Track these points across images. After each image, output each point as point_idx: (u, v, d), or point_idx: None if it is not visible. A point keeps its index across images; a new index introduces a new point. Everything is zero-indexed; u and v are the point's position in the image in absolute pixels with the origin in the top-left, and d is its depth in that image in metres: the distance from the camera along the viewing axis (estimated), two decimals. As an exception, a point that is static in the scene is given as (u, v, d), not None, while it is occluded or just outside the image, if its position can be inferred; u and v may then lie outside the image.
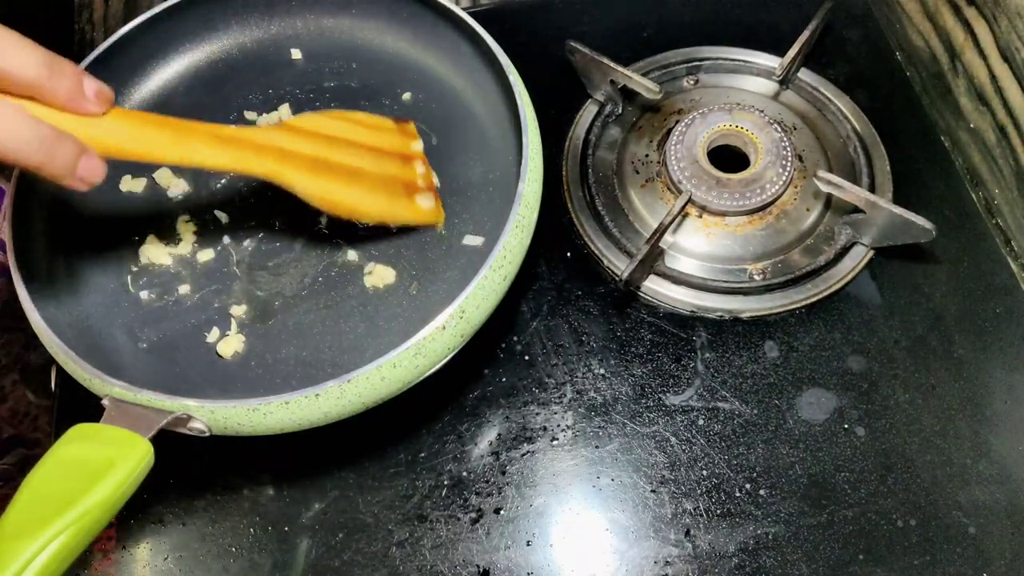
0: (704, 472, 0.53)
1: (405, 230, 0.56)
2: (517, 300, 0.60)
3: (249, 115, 0.61)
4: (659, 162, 0.63)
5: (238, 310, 0.54)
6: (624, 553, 0.51)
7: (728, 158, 0.62)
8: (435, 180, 0.57)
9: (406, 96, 0.61)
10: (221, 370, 0.52)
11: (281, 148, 0.48)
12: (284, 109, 0.61)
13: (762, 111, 0.62)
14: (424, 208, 0.54)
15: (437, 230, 0.55)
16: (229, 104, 0.62)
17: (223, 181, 0.59)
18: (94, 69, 0.57)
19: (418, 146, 0.57)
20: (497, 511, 0.52)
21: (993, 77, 0.62)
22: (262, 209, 0.58)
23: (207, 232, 0.57)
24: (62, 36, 0.78)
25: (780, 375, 0.56)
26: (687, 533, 0.51)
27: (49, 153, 0.38)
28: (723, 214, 0.60)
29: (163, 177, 0.58)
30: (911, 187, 0.62)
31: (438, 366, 0.47)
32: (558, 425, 0.55)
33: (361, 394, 0.44)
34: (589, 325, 0.58)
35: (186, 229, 0.57)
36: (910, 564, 0.49)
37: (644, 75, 0.64)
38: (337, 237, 0.56)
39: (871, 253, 0.59)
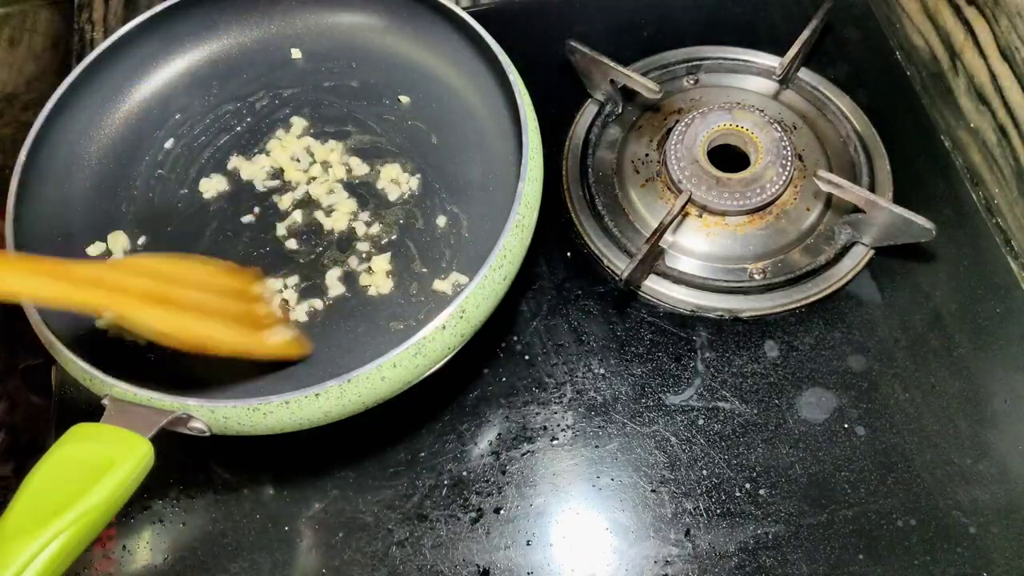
0: (704, 472, 0.53)
1: (408, 234, 0.56)
2: (517, 300, 0.60)
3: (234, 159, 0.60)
4: (659, 162, 0.63)
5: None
6: (624, 553, 0.51)
7: (728, 158, 0.62)
8: (289, 314, 0.54)
9: (404, 99, 0.61)
10: (221, 369, 0.52)
11: (112, 281, 0.45)
12: (297, 121, 0.61)
13: (762, 111, 0.62)
14: (275, 342, 0.51)
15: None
16: (229, 104, 0.62)
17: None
18: (94, 69, 0.57)
19: (259, 288, 0.54)
20: (497, 511, 0.52)
21: (993, 77, 0.62)
22: (264, 209, 0.58)
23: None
24: (62, 36, 0.79)
25: (780, 375, 0.56)
26: (687, 533, 0.51)
27: None
28: (723, 214, 0.60)
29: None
30: (911, 187, 0.62)
31: (438, 366, 0.47)
32: (558, 425, 0.55)
33: (361, 394, 0.44)
34: (589, 325, 0.58)
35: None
36: (910, 564, 0.49)
37: (644, 75, 0.64)
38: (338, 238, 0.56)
39: (871, 253, 0.59)
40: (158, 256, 0.52)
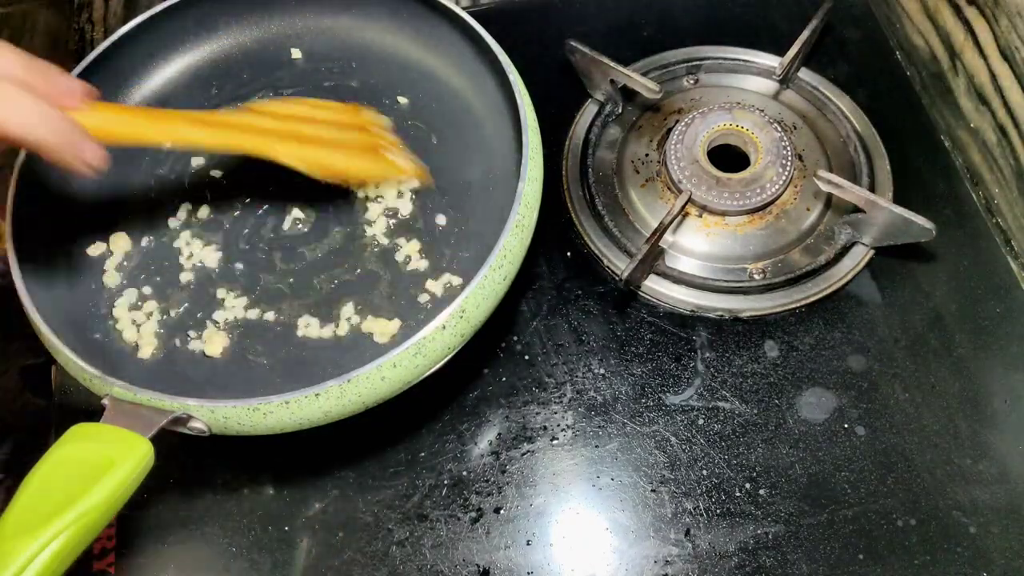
0: (704, 472, 0.53)
1: (408, 233, 0.56)
2: (517, 300, 0.60)
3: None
4: (659, 162, 0.63)
5: (239, 309, 0.54)
6: (624, 552, 0.51)
7: (728, 158, 0.62)
8: (404, 146, 0.58)
9: (402, 100, 0.61)
10: (221, 369, 0.52)
11: (257, 125, 0.51)
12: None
13: (762, 110, 0.62)
14: (399, 164, 0.55)
15: (430, 190, 0.57)
16: (229, 104, 0.62)
17: (216, 187, 0.59)
18: (94, 69, 0.57)
19: (379, 118, 0.58)
20: (497, 510, 0.52)
21: (993, 77, 0.62)
22: (264, 211, 0.58)
23: (208, 232, 0.57)
24: (62, 36, 0.79)
25: (780, 374, 0.56)
26: (687, 533, 0.51)
27: (56, 132, 0.39)
28: (723, 213, 0.60)
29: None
30: (911, 187, 0.62)
31: (438, 366, 0.47)
32: (558, 425, 0.55)
33: (361, 394, 0.44)
34: (589, 325, 0.58)
35: (185, 233, 0.57)
36: (910, 564, 0.49)
37: (644, 75, 0.64)
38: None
39: (871, 252, 0.59)
40: (282, 100, 0.57)
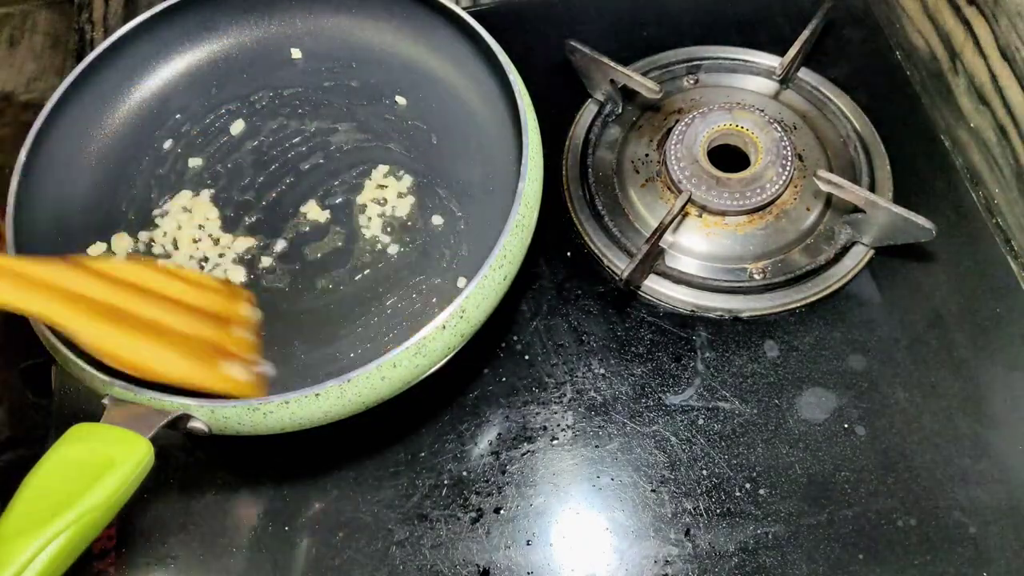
0: (704, 472, 0.53)
1: (407, 233, 0.56)
2: (517, 300, 0.60)
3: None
4: (659, 161, 0.63)
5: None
6: (624, 552, 0.51)
7: (728, 158, 0.62)
8: (255, 350, 0.51)
9: (402, 100, 0.61)
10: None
11: (63, 288, 0.43)
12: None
13: (762, 110, 0.62)
14: (232, 377, 0.47)
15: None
16: (229, 104, 0.62)
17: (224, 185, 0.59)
18: (94, 69, 0.57)
19: (245, 311, 0.52)
20: (497, 510, 0.52)
21: (993, 76, 0.62)
22: (265, 213, 0.58)
23: (209, 233, 0.57)
24: (62, 36, 0.79)
25: (780, 374, 0.56)
26: (687, 532, 0.51)
27: None
28: (723, 213, 0.60)
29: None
30: (911, 187, 0.62)
31: (438, 366, 0.47)
32: (558, 425, 0.55)
33: (361, 394, 0.44)
34: (589, 324, 0.58)
35: (186, 234, 0.57)
36: (910, 564, 0.49)
37: (644, 75, 0.64)
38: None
39: (871, 252, 0.59)
40: (139, 262, 0.50)
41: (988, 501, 0.51)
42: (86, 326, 0.43)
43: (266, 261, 0.56)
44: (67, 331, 0.42)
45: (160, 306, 0.47)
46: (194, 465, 0.55)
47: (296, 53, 0.64)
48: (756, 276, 0.58)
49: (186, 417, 0.43)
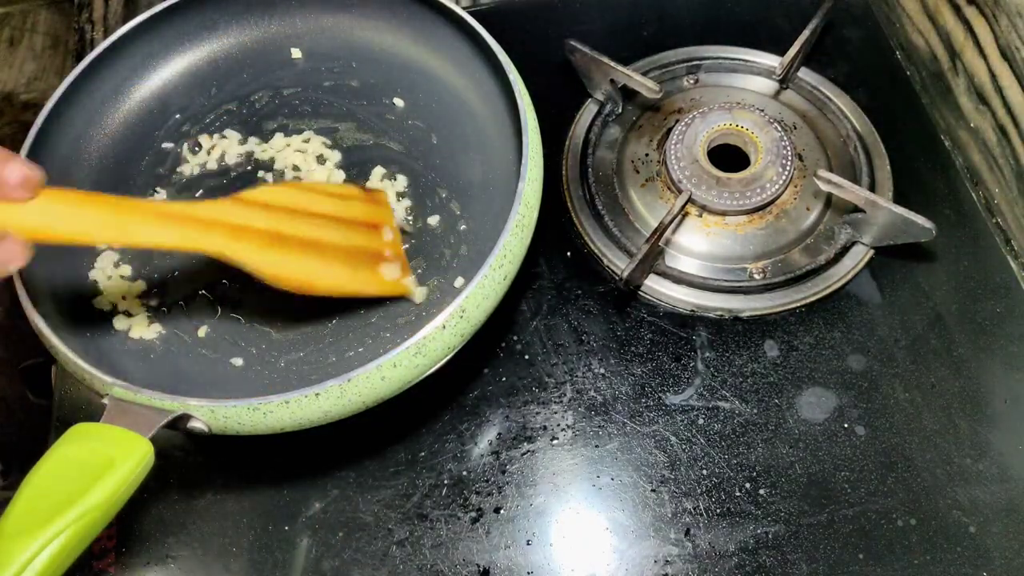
0: (704, 471, 0.53)
1: (407, 233, 0.56)
2: (517, 300, 0.60)
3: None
4: (659, 161, 0.63)
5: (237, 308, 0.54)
6: (624, 552, 0.51)
7: (728, 157, 0.62)
8: (401, 248, 0.54)
9: (403, 99, 0.61)
10: (221, 369, 0.52)
11: (230, 223, 0.46)
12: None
13: (762, 110, 0.62)
14: (388, 278, 0.52)
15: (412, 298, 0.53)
16: (229, 104, 0.62)
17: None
18: (94, 69, 0.57)
19: (387, 212, 0.55)
20: (497, 510, 0.52)
21: (993, 76, 0.62)
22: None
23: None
24: (62, 36, 0.79)
25: (780, 374, 0.56)
26: (687, 532, 0.51)
27: None
28: (723, 213, 0.60)
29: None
30: (911, 186, 0.62)
31: (438, 365, 0.47)
32: (558, 424, 0.55)
33: (361, 393, 0.44)
34: (589, 324, 0.58)
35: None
36: (910, 564, 0.49)
37: (644, 74, 0.64)
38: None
39: (871, 252, 0.59)
40: (284, 184, 0.53)
41: (988, 501, 0.51)
42: (257, 256, 0.46)
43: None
44: (240, 263, 0.45)
45: (316, 223, 0.50)
46: (194, 465, 0.55)
47: (296, 53, 0.64)
48: (756, 276, 0.58)
49: (186, 417, 0.43)
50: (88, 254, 0.56)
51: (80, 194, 0.40)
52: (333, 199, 0.52)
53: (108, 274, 0.55)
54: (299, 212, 0.50)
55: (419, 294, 0.53)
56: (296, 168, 0.59)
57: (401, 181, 0.58)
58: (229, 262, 0.46)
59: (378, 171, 0.59)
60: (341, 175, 0.59)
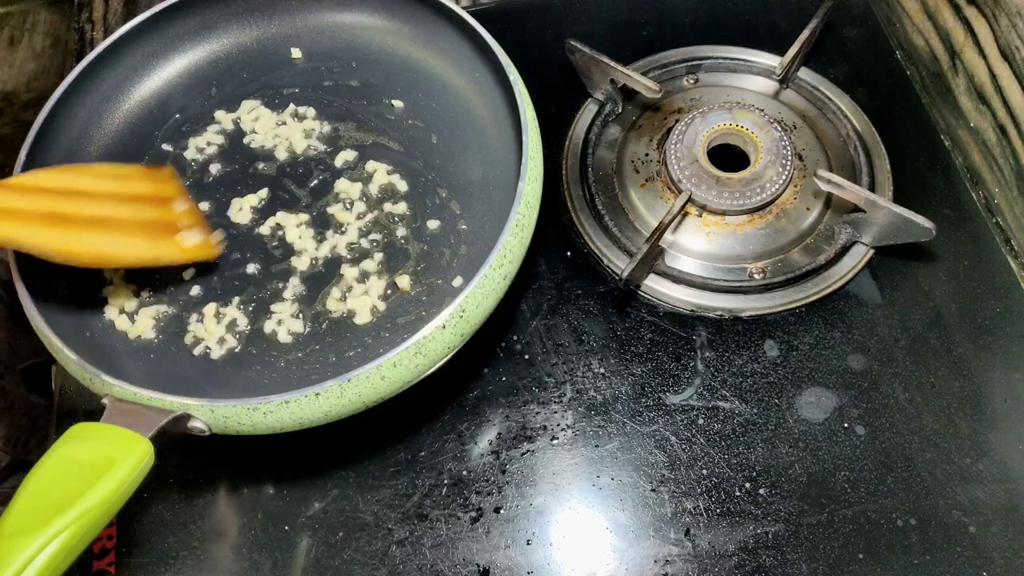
0: (704, 471, 0.53)
1: (407, 233, 0.56)
2: (517, 299, 0.60)
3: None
4: (659, 161, 0.63)
5: (238, 310, 0.54)
6: (624, 552, 0.51)
7: (728, 157, 0.62)
8: (200, 215, 0.55)
9: (402, 99, 0.61)
10: (221, 369, 0.52)
11: (6, 205, 0.45)
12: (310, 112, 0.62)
13: (762, 110, 0.62)
14: (189, 245, 0.52)
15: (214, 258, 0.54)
16: (230, 103, 0.62)
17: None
18: (94, 69, 0.57)
19: (174, 186, 0.55)
20: (497, 510, 0.52)
21: (993, 76, 0.62)
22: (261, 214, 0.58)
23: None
24: (62, 36, 0.79)
25: (780, 374, 0.56)
26: (687, 532, 0.51)
27: None
28: (723, 213, 0.60)
29: None
30: (911, 186, 0.62)
31: (438, 365, 0.47)
32: (558, 424, 0.55)
33: (361, 393, 0.44)
34: (589, 324, 0.58)
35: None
36: (910, 563, 0.49)
37: (644, 74, 0.64)
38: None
39: (871, 252, 0.59)
40: (59, 169, 0.51)
41: (988, 501, 0.51)
42: (39, 237, 0.44)
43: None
44: (23, 246, 0.44)
45: (98, 202, 0.49)
46: (194, 465, 0.55)
47: (296, 53, 0.64)
48: (756, 276, 0.58)
49: (186, 417, 0.43)
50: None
51: None
52: (113, 179, 0.52)
53: (109, 275, 0.55)
54: (78, 193, 0.49)
55: (214, 253, 0.54)
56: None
57: (401, 182, 0.58)
58: (13, 246, 0.44)
59: (381, 169, 0.58)
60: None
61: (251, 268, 0.55)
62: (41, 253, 0.45)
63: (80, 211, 0.48)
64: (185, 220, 0.53)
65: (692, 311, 0.58)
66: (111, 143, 0.59)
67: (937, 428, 0.53)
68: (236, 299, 0.54)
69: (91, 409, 0.49)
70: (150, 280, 0.55)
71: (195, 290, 0.55)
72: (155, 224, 0.51)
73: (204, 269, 0.56)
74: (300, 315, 0.54)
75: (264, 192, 0.58)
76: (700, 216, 0.60)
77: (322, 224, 0.57)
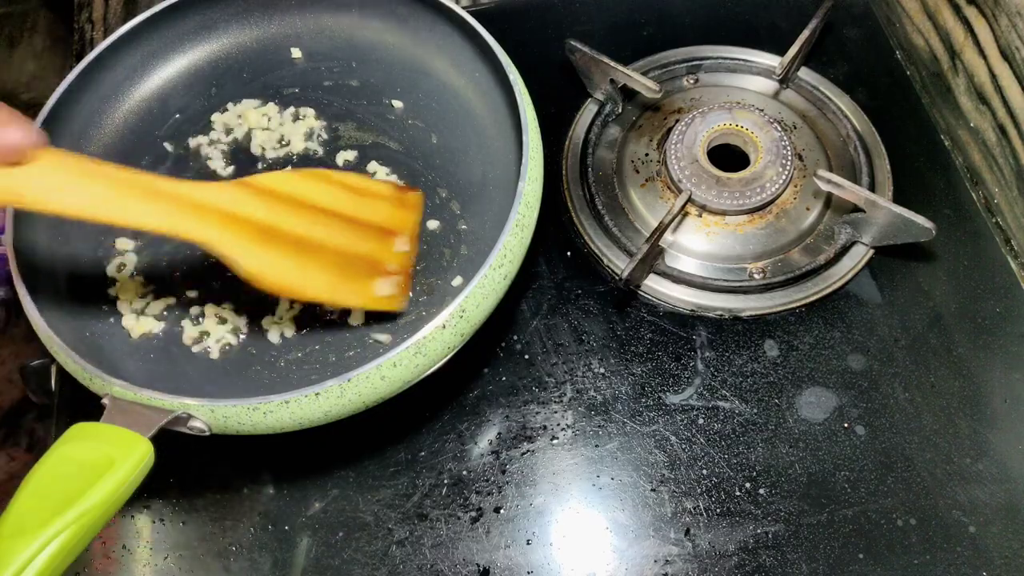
0: (704, 471, 0.53)
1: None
2: (517, 299, 0.60)
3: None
4: (659, 161, 0.63)
5: (238, 311, 0.54)
6: (624, 552, 0.51)
7: (728, 157, 0.62)
8: (411, 263, 0.51)
9: (402, 99, 0.61)
10: (221, 369, 0.52)
11: (226, 211, 0.43)
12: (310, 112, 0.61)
13: (762, 110, 0.62)
14: (379, 295, 0.49)
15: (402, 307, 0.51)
16: (229, 103, 0.62)
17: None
18: (94, 69, 0.57)
19: (411, 219, 0.52)
20: (497, 510, 0.52)
21: (993, 76, 0.62)
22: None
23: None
24: (62, 36, 0.79)
25: (780, 374, 0.56)
26: (687, 532, 0.51)
27: None
28: (723, 213, 0.60)
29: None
30: (911, 186, 0.62)
31: (438, 365, 0.47)
32: (558, 424, 0.55)
33: (361, 393, 0.44)
34: (589, 324, 0.58)
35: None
36: (910, 563, 0.49)
37: (644, 74, 0.64)
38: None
39: (871, 252, 0.59)
40: (303, 172, 0.49)
41: (988, 501, 0.51)
42: (243, 252, 0.43)
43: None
44: (223, 256, 0.43)
45: (321, 221, 0.47)
46: (194, 465, 0.55)
47: (296, 53, 0.64)
48: (756, 276, 0.58)
49: (186, 417, 0.43)
50: (89, 255, 0.56)
51: (72, 161, 0.38)
52: (355, 195, 0.50)
53: (112, 274, 0.55)
54: (307, 205, 0.47)
55: (400, 308, 0.51)
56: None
57: (405, 180, 0.58)
58: (212, 251, 0.44)
59: (381, 169, 0.58)
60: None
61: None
62: (232, 266, 0.44)
63: (296, 228, 0.46)
64: (394, 264, 0.50)
65: (692, 311, 0.58)
66: (111, 143, 0.59)
67: (937, 428, 0.53)
68: (236, 299, 0.54)
69: (91, 409, 0.48)
70: (152, 280, 0.55)
71: (195, 291, 0.55)
72: (362, 261, 0.48)
73: (207, 267, 0.56)
74: (299, 315, 0.54)
75: None
76: (700, 216, 0.60)
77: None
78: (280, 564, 0.51)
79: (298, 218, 0.46)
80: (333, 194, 0.49)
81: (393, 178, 0.58)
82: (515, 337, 0.58)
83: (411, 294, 0.51)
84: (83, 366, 0.45)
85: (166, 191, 0.41)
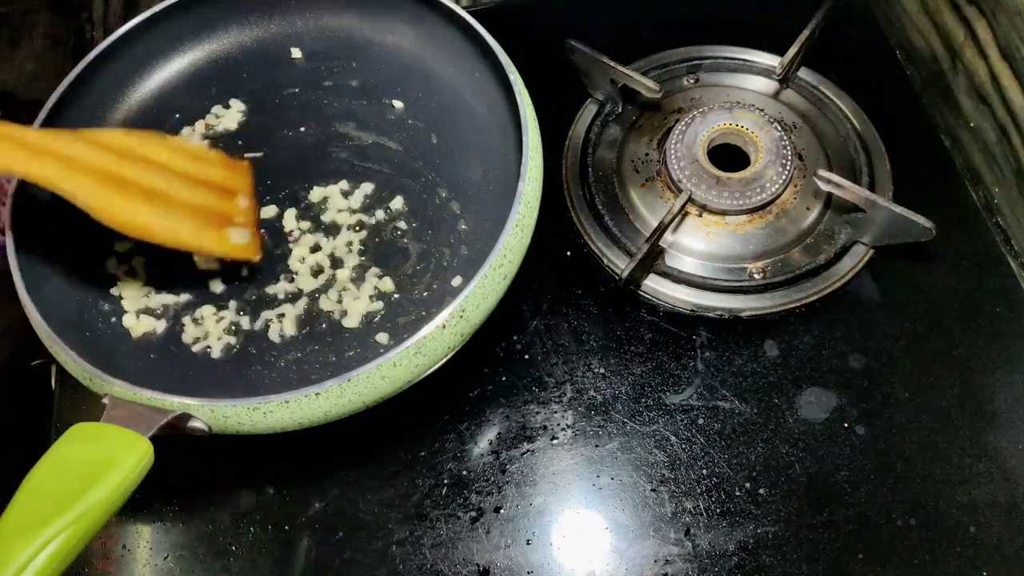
0: (704, 471, 0.53)
1: (408, 232, 0.56)
2: (517, 299, 0.60)
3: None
4: (659, 161, 0.63)
5: (237, 311, 0.54)
6: (624, 552, 0.51)
7: (728, 157, 0.62)
8: (258, 217, 0.56)
9: (402, 99, 0.61)
10: (221, 369, 0.52)
11: (67, 155, 0.46)
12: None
13: (762, 110, 0.62)
14: (233, 242, 0.52)
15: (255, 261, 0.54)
16: (229, 103, 0.62)
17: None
18: (94, 68, 0.57)
19: (246, 182, 0.56)
20: (497, 510, 0.52)
21: (993, 76, 0.62)
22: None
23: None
24: (62, 36, 0.79)
25: (780, 374, 0.56)
26: (687, 532, 0.51)
27: None
28: (723, 213, 0.60)
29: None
30: (911, 186, 0.62)
31: (438, 365, 0.47)
32: (558, 424, 0.55)
33: (361, 393, 0.44)
34: (589, 324, 0.58)
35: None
36: (910, 563, 0.49)
37: (644, 74, 0.64)
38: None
39: (871, 252, 0.59)
40: (144, 134, 0.52)
41: (988, 500, 0.51)
42: (89, 192, 0.45)
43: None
44: (70, 196, 0.45)
45: (165, 176, 0.50)
46: (194, 464, 0.55)
47: (296, 53, 0.64)
48: (756, 276, 0.58)
49: (186, 417, 0.43)
50: (90, 254, 0.56)
51: None
52: (191, 159, 0.53)
53: (112, 273, 0.55)
54: (149, 161, 0.50)
55: (256, 257, 0.54)
56: None
57: (405, 179, 0.58)
58: (59, 192, 0.45)
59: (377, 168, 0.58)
60: None
61: (250, 268, 0.55)
62: (86, 207, 0.45)
63: (143, 180, 0.48)
64: (240, 217, 0.54)
65: (692, 311, 0.58)
66: (111, 143, 0.59)
67: (937, 428, 0.53)
68: (236, 299, 0.54)
69: (91, 409, 0.49)
70: (153, 280, 0.55)
71: (195, 290, 0.55)
72: (210, 211, 0.52)
73: (207, 267, 0.56)
74: (299, 315, 0.54)
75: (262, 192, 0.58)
76: (700, 216, 0.60)
77: (321, 224, 0.57)
78: (280, 564, 0.51)
79: (140, 170, 0.49)
80: (169, 154, 0.52)
81: (405, 178, 0.58)
82: (515, 337, 0.58)
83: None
84: (83, 366, 0.45)
85: (26, 139, 0.44)
